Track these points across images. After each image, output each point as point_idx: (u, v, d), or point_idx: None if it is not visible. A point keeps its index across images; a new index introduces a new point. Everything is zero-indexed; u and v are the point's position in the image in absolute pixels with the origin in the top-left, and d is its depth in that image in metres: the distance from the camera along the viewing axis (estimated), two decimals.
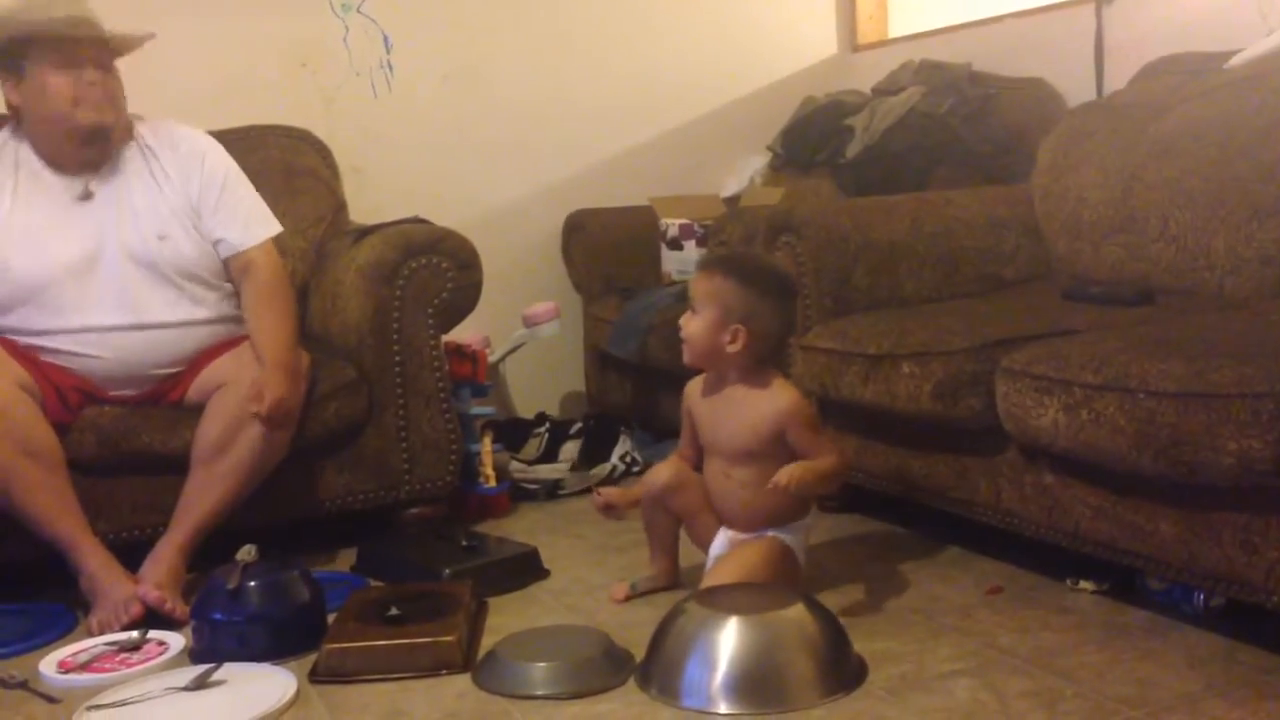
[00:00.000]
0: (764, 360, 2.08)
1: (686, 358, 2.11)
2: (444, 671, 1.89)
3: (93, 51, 2.34)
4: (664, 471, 2.17)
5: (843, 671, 1.78)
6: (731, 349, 2.03)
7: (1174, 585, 1.93)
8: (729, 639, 1.75)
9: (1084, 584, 2.09)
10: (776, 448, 2.03)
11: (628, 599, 2.17)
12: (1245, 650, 1.80)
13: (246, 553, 2.06)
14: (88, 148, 2.38)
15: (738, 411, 2.07)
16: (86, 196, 2.39)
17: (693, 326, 2.06)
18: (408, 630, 1.95)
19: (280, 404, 2.24)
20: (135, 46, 2.42)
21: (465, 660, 1.91)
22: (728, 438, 2.09)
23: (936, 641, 1.92)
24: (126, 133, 2.44)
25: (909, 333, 2.28)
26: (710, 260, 2.20)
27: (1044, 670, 1.78)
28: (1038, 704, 1.67)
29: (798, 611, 1.80)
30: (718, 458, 2.12)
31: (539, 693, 1.80)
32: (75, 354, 2.34)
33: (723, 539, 2.14)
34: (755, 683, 1.72)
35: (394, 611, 2.00)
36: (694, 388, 2.19)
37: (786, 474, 1.95)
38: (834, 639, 1.81)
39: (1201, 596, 1.89)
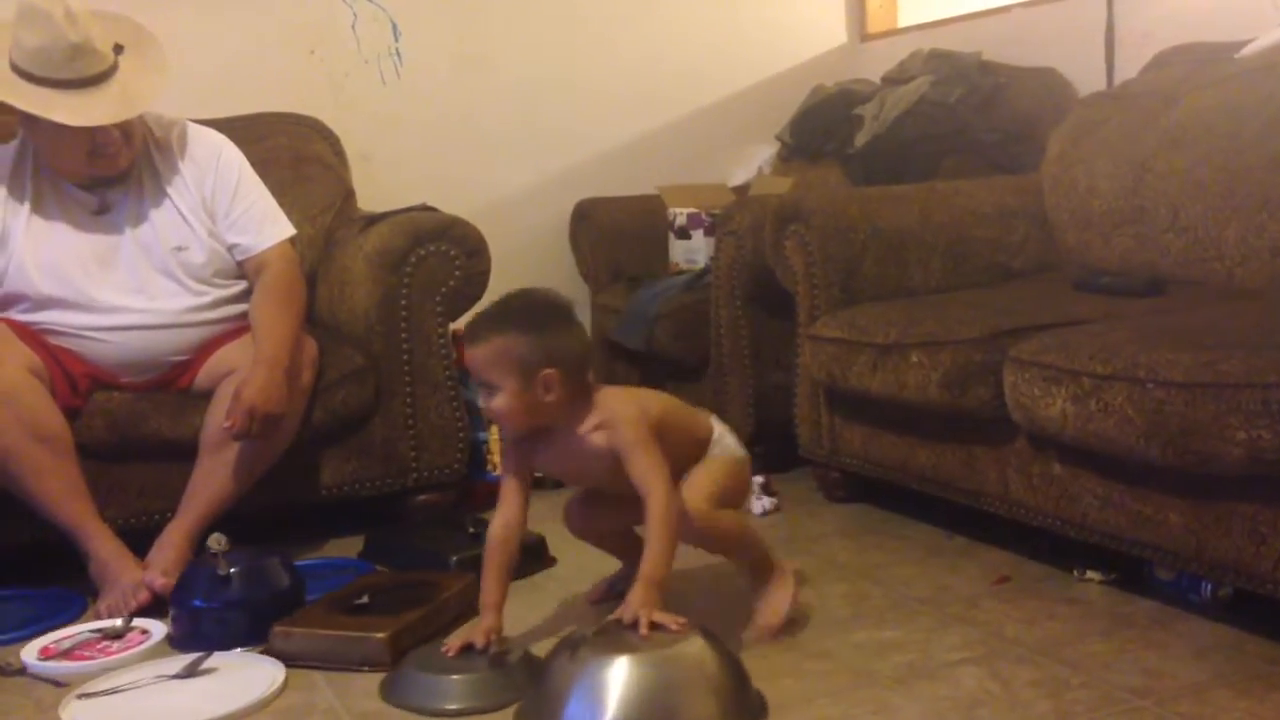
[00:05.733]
0: (578, 393, 1.85)
1: (510, 434, 1.89)
2: (365, 668, 1.86)
3: None
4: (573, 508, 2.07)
5: (744, 710, 1.64)
6: (550, 399, 1.80)
7: (1182, 575, 1.92)
8: (618, 680, 1.57)
9: (1091, 574, 2.09)
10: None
11: (604, 600, 2.09)
12: (1253, 641, 1.79)
13: (216, 541, 2.05)
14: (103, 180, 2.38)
15: (578, 456, 1.88)
16: (103, 210, 2.39)
17: (498, 402, 1.80)
18: (349, 622, 1.94)
19: (253, 411, 2.19)
20: (153, 99, 2.33)
21: (394, 658, 1.86)
22: (581, 478, 2.02)
23: (943, 631, 1.92)
24: (140, 138, 2.41)
25: (917, 322, 2.27)
26: (477, 327, 1.85)
27: (1050, 660, 1.78)
28: (1044, 693, 1.67)
29: (697, 647, 1.63)
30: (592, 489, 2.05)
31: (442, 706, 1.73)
32: (86, 340, 2.35)
33: None
34: None
35: (363, 600, 1.99)
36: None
37: (630, 612, 1.68)
38: (735, 676, 1.66)
39: (1209, 587, 1.89)
